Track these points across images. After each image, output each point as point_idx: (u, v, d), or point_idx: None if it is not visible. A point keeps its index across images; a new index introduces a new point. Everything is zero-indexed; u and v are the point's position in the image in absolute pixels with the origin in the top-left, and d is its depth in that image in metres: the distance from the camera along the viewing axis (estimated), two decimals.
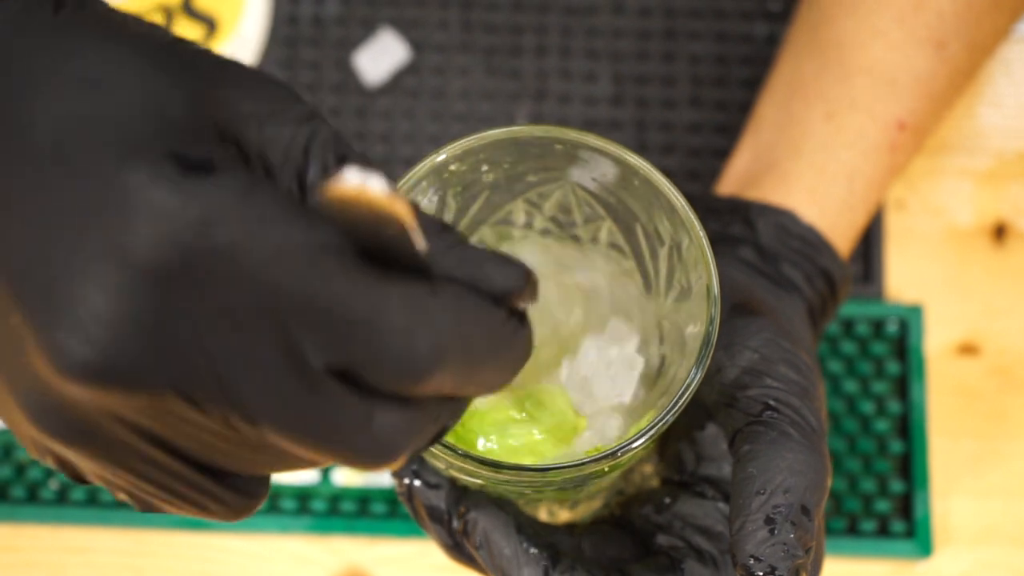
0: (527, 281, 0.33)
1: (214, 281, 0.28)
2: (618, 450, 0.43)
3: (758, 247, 0.57)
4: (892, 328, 0.72)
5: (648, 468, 0.55)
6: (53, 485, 0.70)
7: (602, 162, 0.47)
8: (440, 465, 0.48)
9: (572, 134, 0.46)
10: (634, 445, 0.43)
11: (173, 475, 0.32)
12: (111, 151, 0.29)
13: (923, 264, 0.74)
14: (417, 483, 0.49)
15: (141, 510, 0.35)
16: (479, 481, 0.47)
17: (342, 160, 0.33)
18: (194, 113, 0.31)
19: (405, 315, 0.29)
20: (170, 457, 0.32)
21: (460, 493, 0.49)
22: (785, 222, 0.58)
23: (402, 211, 0.29)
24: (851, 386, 0.71)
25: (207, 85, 0.32)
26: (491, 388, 0.33)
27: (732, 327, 0.51)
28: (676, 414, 0.44)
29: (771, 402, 0.48)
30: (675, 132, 0.75)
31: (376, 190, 0.28)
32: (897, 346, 0.72)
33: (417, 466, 0.50)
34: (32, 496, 0.70)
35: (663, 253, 0.49)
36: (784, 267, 0.57)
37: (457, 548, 0.51)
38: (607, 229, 0.51)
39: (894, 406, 0.70)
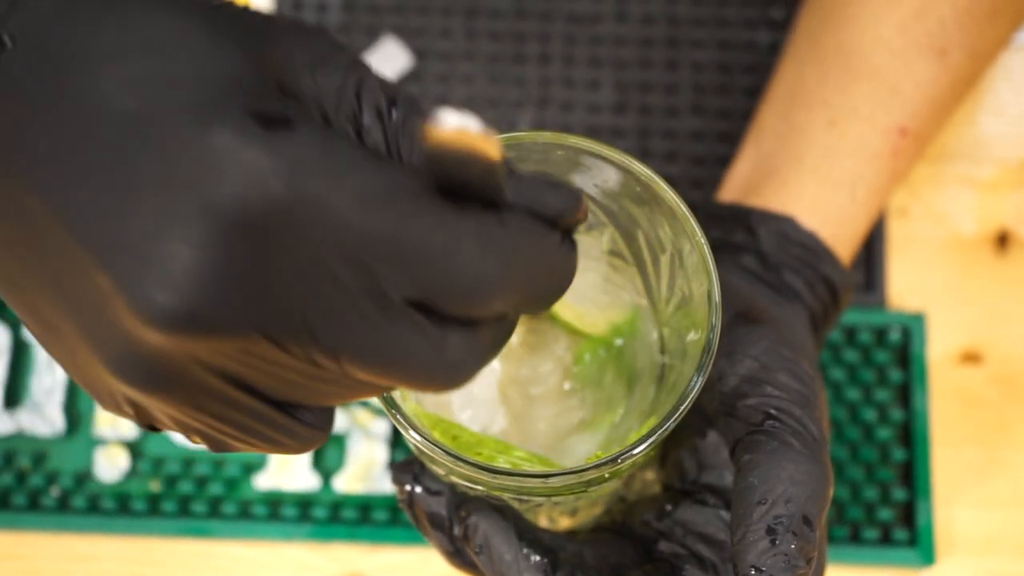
0: (578, 202, 0.35)
1: (303, 230, 0.30)
2: (618, 457, 0.43)
3: (760, 254, 0.57)
4: (895, 336, 0.71)
5: (650, 475, 0.55)
6: (54, 492, 0.70)
7: (604, 168, 0.47)
8: (440, 471, 0.48)
9: (574, 140, 0.46)
10: (635, 452, 0.43)
11: (251, 413, 0.34)
12: (190, 113, 0.30)
13: (925, 272, 0.74)
14: (418, 490, 0.49)
15: (213, 450, 0.36)
16: (479, 488, 0.47)
17: (392, 102, 0.35)
18: (257, 70, 0.33)
19: (478, 247, 0.32)
20: (249, 395, 0.33)
21: (461, 499, 0.49)
22: (786, 229, 0.58)
23: (496, 150, 0.31)
24: (853, 394, 0.71)
25: (261, 42, 0.34)
26: (543, 306, 0.36)
27: (733, 335, 0.51)
28: (677, 421, 0.44)
29: (772, 411, 0.48)
30: (678, 140, 0.75)
31: (475, 130, 0.30)
32: (899, 354, 0.71)
33: (418, 472, 0.50)
34: (34, 504, 0.70)
35: (664, 260, 0.49)
36: (786, 275, 0.57)
37: (458, 554, 0.51)
38: (609, 235, 0.51)
39: (896, 414, 0.70)
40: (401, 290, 0.31)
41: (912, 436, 0.70)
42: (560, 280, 0.36)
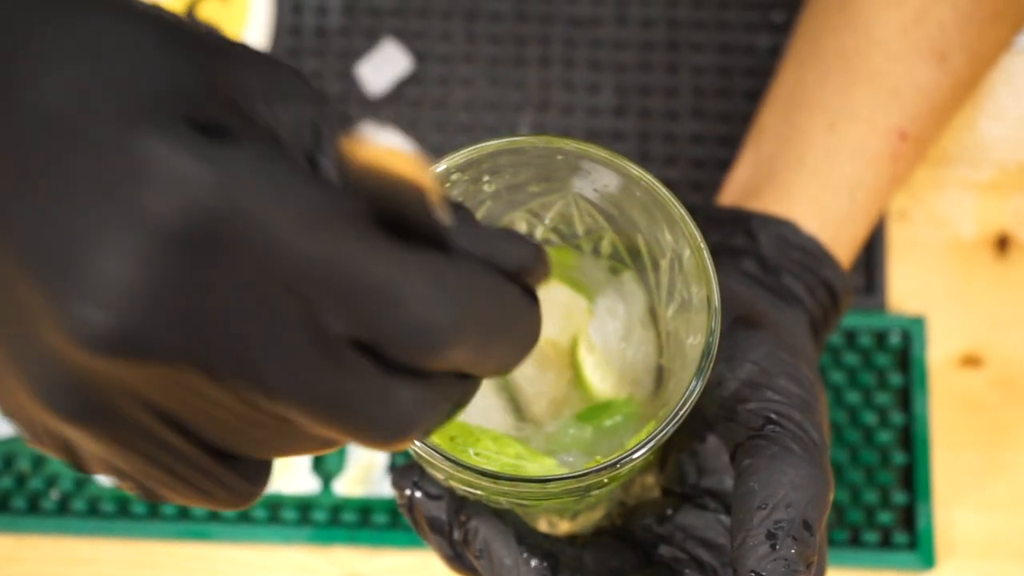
0: (540, 258, 0.33)
1: (237, 248, 0.28)
2: (618, 461, 0.43)
3: (760, 258, 0.57)
4: (895, 339, 0.71)
5: (649, 479, 0.55)
6: (54, 495, 0.70)
7: (604, 173, 0.47)
8: (440, 476, 0.48)
9: (574, 144, 0.46)
10: (634, 456, 0.43)
11: (182, 457, 0.32)
12: (125, 118, 0.29)
13: (926, 275, 0.74)
14: (418, 494, 0.49)
15: (144, 499, 0.35)
16: (479, 492, 0.47)
17: (322, 147, 0.33)
18: (205, 84, 0.31)
19: (425, 285, 0.29)
20: (181, 437, 0.31)
21: (461, 503, 0.49)
22: (786, 233, 0.58)
23: (425, 174, 0.29)
24: (853, 397, 0.71)
25: (216, 60, 0.32)
26: (503, 367, 0.33)
27: (733, 340, 0.51)
28: (676, 425, 0.44)
29: (772, 416, 0.48)
30: (678, 143, 0.76)
31: (401, 150, 0.28)
32: (900, 357, 0.71)
33: (418, 477, 0.50)
34: (33, 506, 0.70)
35: (664, 264, 0.49)
36: (785, 278, 0.57)
37: (458, 559, 0.51)
38: (609, 240, 0.51)
39: (897, 417, 0.70)
40: (342, 327, 0.29)
41: (912, 439, 0.70)
42: (521, 339, 0.33)
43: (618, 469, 0.43)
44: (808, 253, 0.57)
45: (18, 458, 0.70)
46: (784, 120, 0.63)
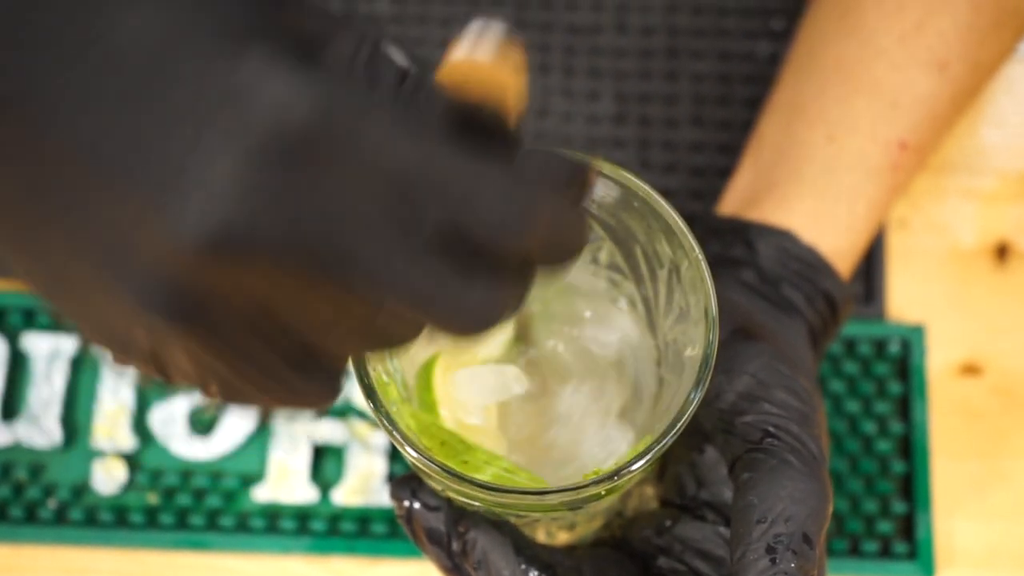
0: (588, 168, 0.35)
1: (333, 157, 0.31)
2: (616, 473, 0.43)
3: (758, 269, 0.57)
4: (894, 348, 0.72)
5: (648, 490, 0.55)
6: (52, 504, 0.70)
7: (602, 183, 0.47)
8: (437, 486, 0.48)
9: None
10: (632, 468, 0.43)
11: (276, 350, 0.34)
12: (214, 41, 0.31)
13: (925, 284, 0.74)
14: (416, 505, 0.50)
15: (226, 399, 0.36)
16: (476, 504, 0.47)
17: (403, 73, 0.35)
18: (275, 14, 0.33)
19: (506, 181, 0.32)
20: (277, 329, 0.33)
21: (459, 514, 0.50)
22: (785, 243, 0.58)
23: (511, 82, 0.32)
24: (853, 406, 0.71)
25: (273, 5, 0.34)
26: (560, 261, 0.35)
27: (732, 352, 0.51)
28: (674, 437, 0.44)
29: (771, 429, 0.48)
30: (677, 151, 0.76)
31: (490, 57, 0.31)
32: (899, 366, 0.72)
33: (416, 488, 0.50)
34: (31, 516, 0.70)
35: (662, 275, 0.49)
36: (785, 289, 0.57)
37: (456, 570, 0.51)
38: (607, 250, 0.51)
39: (896, 426, 0.70)
40: (433, 219, 0.32)
41: (912, 448, 0.70)
42: (575, 239, 0.35)
43: (616, 481, 0.43)
44: (807, 264, 0.58)
45: (15, 467, 0.71)
46: (783, 130, 0.63)
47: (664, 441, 0.44)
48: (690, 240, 0.46)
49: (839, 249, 0.59)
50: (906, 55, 0.62)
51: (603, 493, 0.45)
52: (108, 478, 0.70)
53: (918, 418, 0.70)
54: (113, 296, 0.32)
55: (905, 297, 0.74)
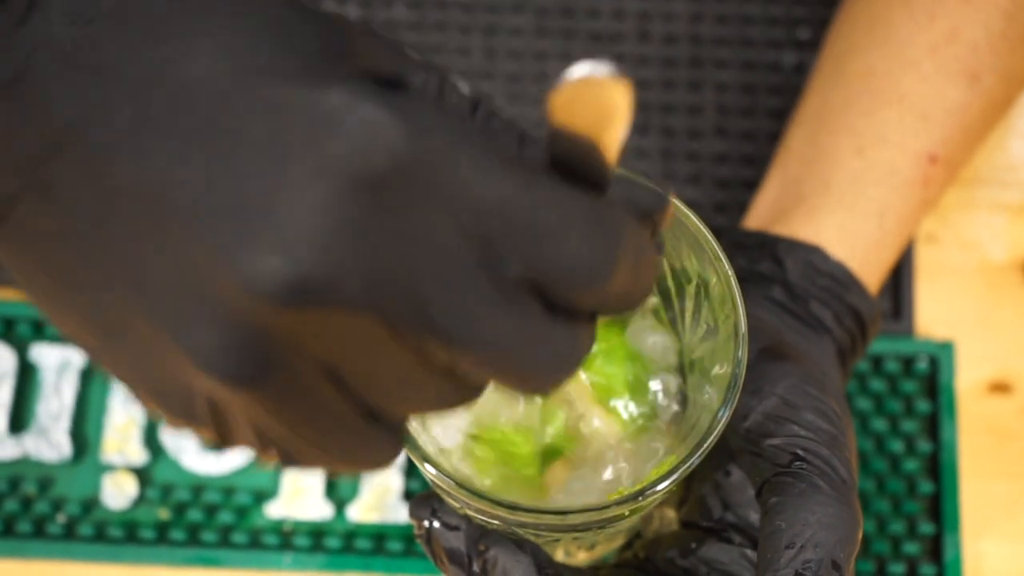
0: (666, 204, 0.35)
1: (422, 192, 0.29)
2: (641, 493, 0.43)
3: (787, 285, 0.57)
4: (922, 365, 0.72)
5: (670, 512, 0.55)
6: (61, 519, 0.70)
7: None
8: (456, 504, 0.48)
9: None
10: (658, 488, 0.43)
11: (338, 415, 0.33)
12: (299, 72, 0.29)
13: (954, 299, 0.74)
14: (436, 525, 0.50)
15: (284, 465, 0.35)
16: (495, 522, 0.47)
17: (476, 104, 0.34)
18: (350, 46, 0.32)
19: (590, 228, 0.31)
20: (341, 393, 0.32)
21: (479, 533, 0.50)
22: (814, 259, 0.58)
23: (613, 124, 0.31)
24: (880, 425, 0.71)
25: (347, 27, 0.33)
26: (632, 305, 0.34)
27: (759, 372, 0.51)
28: (702, 457, 0.44)
29: (800, 452, 0.48)
30: (701, 162, 0.76)
31: (603, 74, 0.29)
32: (927, 384, 0.72)
33: (436, 507, 0.50)
34: (39, 531, 0.70)
35: (689, 290, 0.49)
36: (813, 306, 0.57)
37: None
38: None
39: (924, 445, 0.70)
40: (515, 267, 0.31)
41: (940, 468, 0.70)
42: (647, 279, 0.34)
43: (640, 501, 0.43)
44: (836, 280, 0.58)
45: (23, 481, 0.71)
46: (811, 142, 0.63)
47: (691, 461, 0.44)
48: (719, 255, 0.46)
49: (868, 265, 0.59)
50: (937, 66, 0.62)
51: (627, 513, 0.45)
52: (118, 493, 0.70)
53: (946, 437, 0.70)
54: (174, 350, 0.30)
55: (934, 313, 0.74)
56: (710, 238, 0.46)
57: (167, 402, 0.33)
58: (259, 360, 0.30)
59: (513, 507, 0.43)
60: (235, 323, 0.29)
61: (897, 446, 0.71)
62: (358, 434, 0.34)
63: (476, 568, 0.50)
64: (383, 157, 0.29)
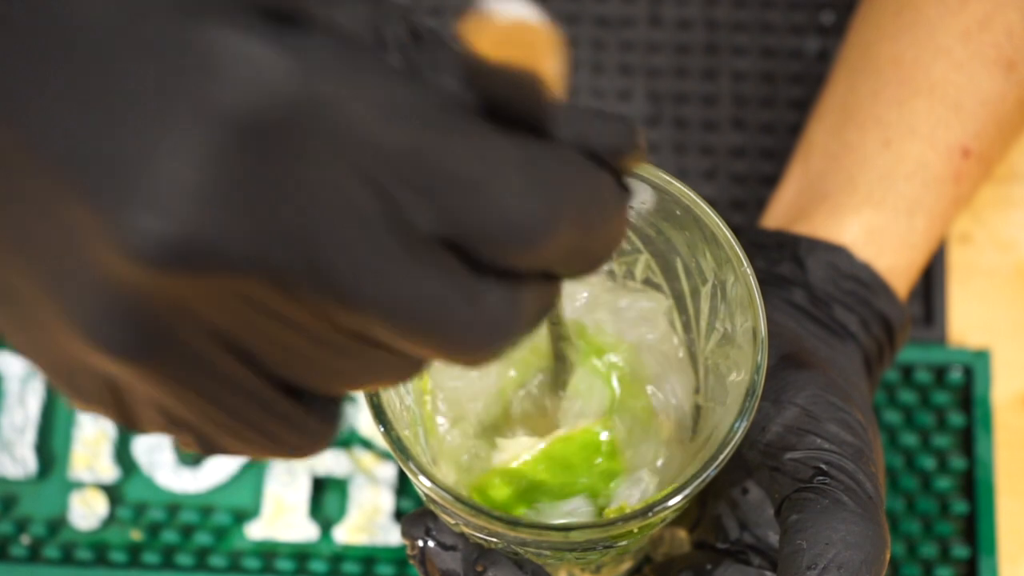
0: (634, 140, 0.33)
1: (314, 140, 0.28)
2: (650, 509, 0.43)
3: (808, 288, 0.57)
4: (956, 375, 0.72)
5: (680, 533, 0.55)
6: (25, 541, 0.70)
7: (639, 188, 0.47)
8: (451, 521, 0.48)
9: None
10: (669, 504, 0.43)
11: (250, 394, 0.32)
12: (181, 10, 0.28)
13: (990, 304, 0.74)
14: (431, 544, 0.49)
15: (204, 451, 0.34)
16: (494, 540, 0.47)
17: (417, 35, 0.32)
18: None
19: (521, 177, 0.29)
20: (246, 369, 0.31)
21: (477, 552, 0.49)
22: (838, 261, 0.58)
23: (547, 52, 0.29)
24: (910, 439, 0.71)
25: None
26: (591, 266, 0.33)
27: (779, 380, 0.51)
28: (717, 470, 0.43)
29: (823, 466, 0.48)
30: (717, 156, 0.76)
31: (521, 23, 0.28)
32: (961, 395, 0.72)
33: (431, 525, 0.50)
34: (1, 553, 0.70)
35: (705, 292, 0.49)
36: (837, 311, 0.57)
37: None
38: (644, 263, 0.51)
39: (958, 462, 0.70)
40: (429, 223, 0.29)
41: (975, 486, 0.70)
42: (611, 234, 0.33)
43: (649, 517, 0.43)
44: (862, 283, 0.57)
45: (18, 502, 0.70)
46: (835, 135, 0.63)
47: (704, 475, 0.43)
48: (739, 254, 0.45)
49: (896, 267, 0.59)
50: (969, 53, 0.62)
51: (635, 531, 0.45)
52: (87, 512, 0.70)
53: (982, 453, 0.70)
54: (64, 324, 0.30)
55: (967, 319, 0.74)
56: (728, 235, 0.46)
57: (70, 382, 0.32)
58: (143, 330, 0.29)
59: (513, 523, 0.43)
60: (115, 290, 0.29)
61: (928, 462, 0.70)
62: (278, 414, 0.33)
63: None
64: (268, 100, 0.27)
